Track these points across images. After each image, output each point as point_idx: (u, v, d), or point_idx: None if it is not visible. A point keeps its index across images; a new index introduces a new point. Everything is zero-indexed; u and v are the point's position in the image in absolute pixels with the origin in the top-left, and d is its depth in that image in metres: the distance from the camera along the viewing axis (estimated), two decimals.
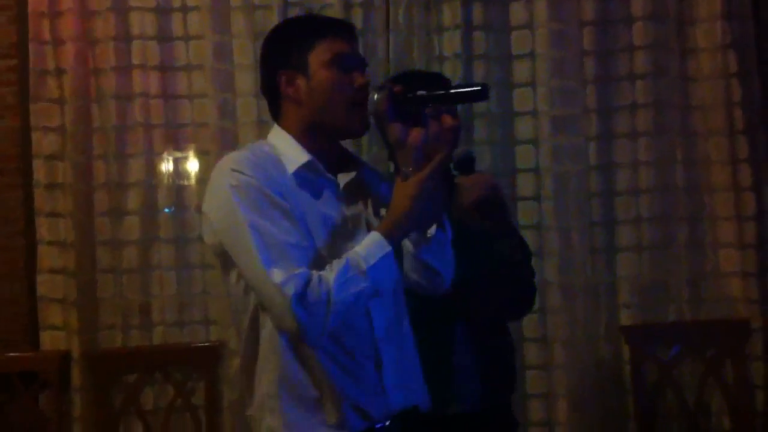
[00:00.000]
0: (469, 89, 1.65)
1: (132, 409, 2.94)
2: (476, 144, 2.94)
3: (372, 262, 1.49)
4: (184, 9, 3.00)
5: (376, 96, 1.58)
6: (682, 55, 3.01)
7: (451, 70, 2.94)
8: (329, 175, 1.61)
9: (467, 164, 2.16)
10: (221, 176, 1.54)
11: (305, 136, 1.60)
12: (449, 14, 2.97)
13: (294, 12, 2.93)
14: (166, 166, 3.01)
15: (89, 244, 2.98)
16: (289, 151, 1.59)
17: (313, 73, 1.57)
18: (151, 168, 3.00)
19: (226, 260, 1.57)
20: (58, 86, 2.97)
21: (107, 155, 2.97)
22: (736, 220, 2.98)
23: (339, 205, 1.61)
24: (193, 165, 3.03)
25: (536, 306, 2.90)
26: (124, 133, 2.98)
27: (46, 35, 2.96)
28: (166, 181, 3.00)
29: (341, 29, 1.62)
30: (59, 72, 2.97)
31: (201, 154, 3.01)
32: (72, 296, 2.95)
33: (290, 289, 1.43)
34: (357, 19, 2.96)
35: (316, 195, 1.58)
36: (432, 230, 1.62)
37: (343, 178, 1.64)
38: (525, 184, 3.00)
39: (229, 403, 2.94)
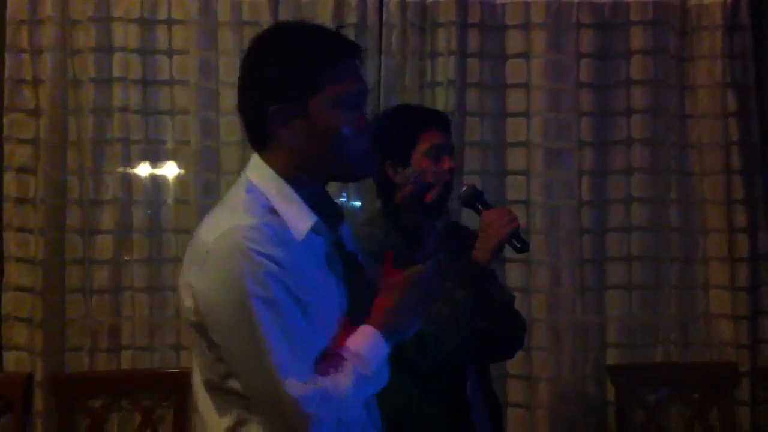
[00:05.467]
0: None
1: None
2: (467, 174, 2.86)
3: (375, 366, 1.35)
4: (170, 22, 2.89)
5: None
6: (681, 92, 2.98)
7: (443, 97, 2.87)
8: (330, 235, 1.43)
9: (481, 199, 2.06)
10: (231, 253, 1.28)
11: (295, 179, 1.40)
12: (444, 40, 2.89)
13: None
14: (144, 184, 2.90)
15: (59, 262, 2.86)
16: (291, 208, 1.38)
17: (315, 113, 1.37)
18: (128, 185, 2.88)
19: (206, 338, 1.35)
20: (34, 97, 2.85)
21: (82, 170, 2.86)
22: (729, 262, 2.94)
23: (337, 266, 1.45)
24: (171, 184, 2.91)
25: None
26: (101, 148, 2.86)
27: (25, 43, 2.85)
28: (142, 199, 2.89)
29: (355, 53, 1.42)
30: (36, 82, 2.85)
31: (180, 173, 2.91)
32: (38, 316, 2.82)
33: (310, 407, 1.26)
34: None
35: (319, 262, 1.39)
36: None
37: (331, 235, 1.47)
38: None
39: None
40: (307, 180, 1.41)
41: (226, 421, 1.37)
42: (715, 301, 2.96)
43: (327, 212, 1.46)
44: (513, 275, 2.92)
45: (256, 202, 1.37)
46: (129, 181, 2.88)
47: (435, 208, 2.02)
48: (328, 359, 1.34)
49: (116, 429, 2.86)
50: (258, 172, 1.42)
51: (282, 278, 1.28)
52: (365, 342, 1.36)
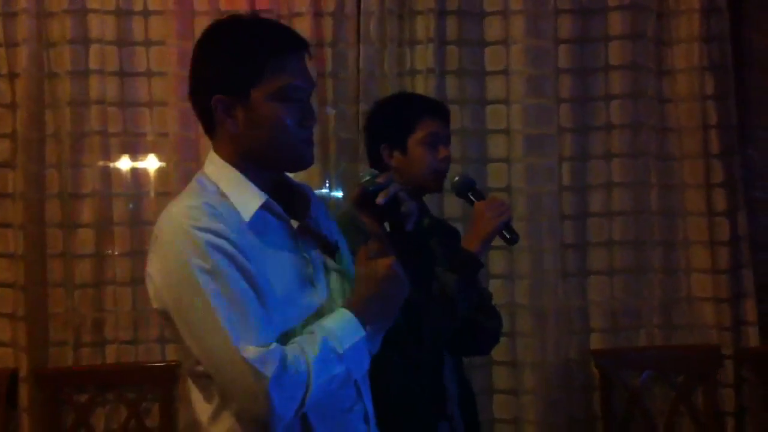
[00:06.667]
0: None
1: (82, 431, 2.83)
2: None
3: (348, 345, 1.35)
4: (146, 13, 2.88)
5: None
6: (659, 76, 2.97)
7: (422, 85, 2.86)
8: (284, 215, 1.45)
9: (473, 189, 2.06)
10: (173, 233, 1.32)
11: (242, 166, 1.42)
12: (422, 27, 2.88)
13: None
14: (123, 176, 2.88)
15: (40, 257, 2.85)
16: (238, 190, 1.40)
17: (256, 105, 1.38)
18: (107, 178, 2.87)
19: (173, 324, 1.37)
20: (10, 90, 2.84)
21: (61, 164, 2.84)
22: (710, 245, 2.94)
23: (297, 248, 1.45)
24: (151, 176, 2.90)
25: (506, 329, 2.87)
26: (79, 141, 2.84)
27: (0, 37, 2.83)
28: (123, 192, 2.88)
29: (301, 48, 1.43)
30: (12, 75, 2.84)
31: (160, 165, 2.89)
32: (21, 311, 2.82)
33: (268, 369, 1.23)
34: (327, 30, 2.88)
35: (274, 241, 1.41)
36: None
37: (295, 221, 1.48)
38: None
39: (185, 425, 2.83)
40: (252, 168, 1.43)
41: (210, 408, 1.39)
42: (697, 285, 2.97)
43: (287, 197, 1.48)
44: (496, 261, 2.92)
45: (204, 189, 1.41)
46: (109, 173, 2.87)
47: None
48: (299, 337, 1.34)
49: (102, 423, 2.86)
50: (210, 161, 1.46)
51: (223, 248, 1.30)
52: (338, 320, 1.37)
